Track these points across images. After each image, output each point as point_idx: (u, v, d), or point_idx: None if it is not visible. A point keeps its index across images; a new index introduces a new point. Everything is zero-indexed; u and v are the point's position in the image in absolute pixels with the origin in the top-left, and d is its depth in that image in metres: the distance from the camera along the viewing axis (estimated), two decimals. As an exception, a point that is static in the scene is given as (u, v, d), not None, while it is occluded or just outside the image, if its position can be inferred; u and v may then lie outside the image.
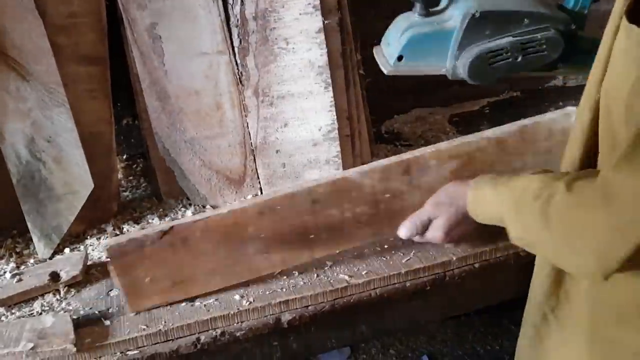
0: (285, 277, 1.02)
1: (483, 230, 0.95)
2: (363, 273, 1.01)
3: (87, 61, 1.25)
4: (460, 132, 1.69)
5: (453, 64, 0.92)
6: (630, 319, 0.74)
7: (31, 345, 0.90)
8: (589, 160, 0.79)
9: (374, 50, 1.02)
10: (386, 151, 1.57)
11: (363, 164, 1.44)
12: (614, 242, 0.67)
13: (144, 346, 0.92)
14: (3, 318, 0.99)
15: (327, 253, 1.01)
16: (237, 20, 1.27)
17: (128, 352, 0.91)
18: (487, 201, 0.89)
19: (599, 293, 0.78)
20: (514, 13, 0.89)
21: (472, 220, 0.94)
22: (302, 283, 1.00)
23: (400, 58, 0.92)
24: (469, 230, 0.99)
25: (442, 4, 0.94)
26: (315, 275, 1.02)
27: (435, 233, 0.98)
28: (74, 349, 0.89)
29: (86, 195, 1.22)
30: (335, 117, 1.28)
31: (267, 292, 0.98)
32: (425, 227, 0.98)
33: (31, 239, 1.22)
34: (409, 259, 1.04)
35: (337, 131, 1.29)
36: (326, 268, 1.03)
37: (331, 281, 1.00)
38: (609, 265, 0.69)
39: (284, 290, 0.99)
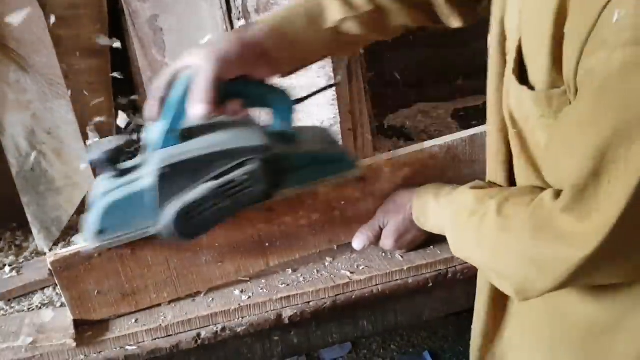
0: (286, 272, 1.01)
1: (432, 237, 0.98)
2: (365, 269, 1.01)
3: (88, 53, 1.24)
4: (463, 127, 1.68)
5: (159, 225, 0.83)
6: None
7: (30, 339, 0.89)
8: (507, 167, 0.79)
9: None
10: (389, 145, 1.57)
11: (365, 158, 1.44)
12: (533, 275, 0.67)
13: (143, 341, 0.92)
14: (2, 312, 0.99)
15: (282, 261, 1.01)
16: (239, 12, 1.25)
17: (128, 347, 0.91)
18: (429, 211, 0.91)
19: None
20: (205, 156, 0.81)
21: (420, 227, 0.96)
22: (303, 279, 0.99)
23: (101, 232, 0.84)
24: (419, 237, 1.01)
25: (137, 161, 0.87)
26: (317, 271, 1.01)
27: (385, 241, 0.99)
28: (74, 344, 0.88)
29: (87, 189, 1.21)
30: (338, 111, 1.27)
31: (268, 288, 0.98)
32: (377, 236, 0.99)
33: (31, 232, 1.21)
34: (410, 256, 1.03)
35: (339, 125, 1.28)
36: (327, 264, 1.02)
37: (333, 277, 0.99)
38: (528, 295, 0.70)
39: (285, 286, 0.98)
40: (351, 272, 1.00)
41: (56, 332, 0.91)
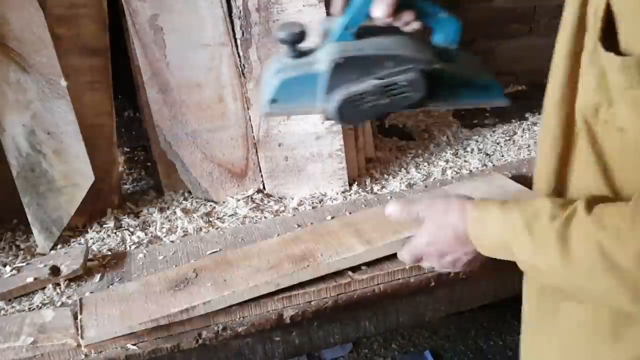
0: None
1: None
2: (366, 268, 1.00)
3: (88, 52, 1.24)
4: (464, 126, 1.68)
5: (324, 106, 0.93)
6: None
7: (31, 339, 0.89)
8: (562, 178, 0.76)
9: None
10: (390, 145, 1.56)
11: (366, 157, 1.44)
12: None
13: (144, 341, 0.91)
14: (3, 312, 0.98)
15: None
16: (240, 11, 1.25)
17: (129, 347, 0.90)
18: (490, 221, 0.77)
19: None
20: (376, 57, 0.91)
21: (464, 242, 0.80)
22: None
23: (274, 101, 0.94)
24: (461, 259, 0.83)
25: (311, 44, 0.96)
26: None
27: (415, 246, 0.84)
28: (74, 344, 0.88)
29: (87, 188, 1.21)
30: (339, 110, 1.27)
31: (274, 283, 0.97)
32: (411, 219, 0.86)
33: (31, 232, 1.21)
34: (412, 255, 1.02)
35: (339, 125, 1.28)
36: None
37: (334, 276, 0.99)
38: None
39: (292, 281, 0.97)
40: (353, 271, 1.00)
41: (57, 332, 0.90)
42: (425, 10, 0.95)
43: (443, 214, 0.83)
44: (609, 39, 0.63)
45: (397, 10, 0.88)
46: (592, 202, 0.66)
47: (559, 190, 0.78)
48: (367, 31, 0.93)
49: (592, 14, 0.67)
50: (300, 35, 0.92)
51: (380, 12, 0.87)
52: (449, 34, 0.96)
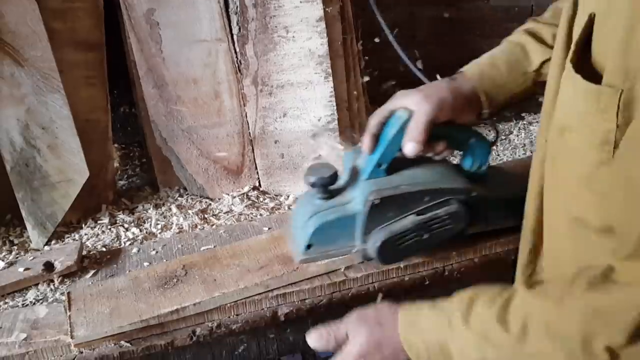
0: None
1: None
2: (361, 266, 1.00)
3: (84, 47, 1.23)
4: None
5: (362, 247, 0.93)
6: None
7: (24, 335, 0.89)
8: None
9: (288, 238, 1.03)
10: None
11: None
12: (598, 330, 0.58)
13: (138, 338, 0.91)
14: (-4, 307, 0.98)
15: None
16: (237, 7, 1.24)
17: (122, 344, 0.90)
18: (423, 321, 0.73)
19: None
20: (412, 194, 0.90)
21: (396, 351, 0.75)
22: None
23: (309, 246, 0.93)
24: None
25: (341, 182, 0.95)
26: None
27: (346, 357, 0.79)
28: (68, 340, 0.88)
29: (81, 184, 1.20)
30: (335, 107, 1.27)
31: (264, 285, 0.97)
32: (339, 343, 0.80)
33: (25, 227, 1.20)
34: (408, 253, 1.02)
35: (336, 122, 1.27)
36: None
37: (329, 274, 0.99)
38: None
39: (281, 282, 0.97)
40: (347, 270, 0.99)
41: (50, 328, 0.90)
42: (456, 137, 0.95)
43: (375, 325, 0.78)
44: (587, 61, 0.63)
45: (428, 142, 0.89)
46: (528, 284, 0.67)
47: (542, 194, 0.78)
48: (398, 164, 0.93)
49: (575, 32, 0.66)
50: (332, 178, 0.91)
51: (412, 150, 0.88)
52: (479, 158, 0.97)
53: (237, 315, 0.95)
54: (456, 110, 0.91)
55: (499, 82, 0.94)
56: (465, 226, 0.93)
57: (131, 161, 1.55)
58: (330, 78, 1.25)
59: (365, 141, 0.92)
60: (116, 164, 1.48)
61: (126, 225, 1.23)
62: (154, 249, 1.10)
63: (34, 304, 0.98)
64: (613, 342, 0.57)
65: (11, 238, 1.22)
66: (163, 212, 1.28)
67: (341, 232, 0.92)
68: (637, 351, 0.57)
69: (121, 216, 1.27)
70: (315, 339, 0.82)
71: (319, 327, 0.82)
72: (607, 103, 0.59)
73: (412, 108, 0.88)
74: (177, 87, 1.28)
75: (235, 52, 1.27)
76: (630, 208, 0.58)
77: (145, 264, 1.05)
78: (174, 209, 1.28)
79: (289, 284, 0.97)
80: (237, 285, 0.94)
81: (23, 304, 0.99)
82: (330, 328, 0.82)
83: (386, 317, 0.78)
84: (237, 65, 1.28)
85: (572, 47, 0.65)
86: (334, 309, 0.99)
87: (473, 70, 0.95)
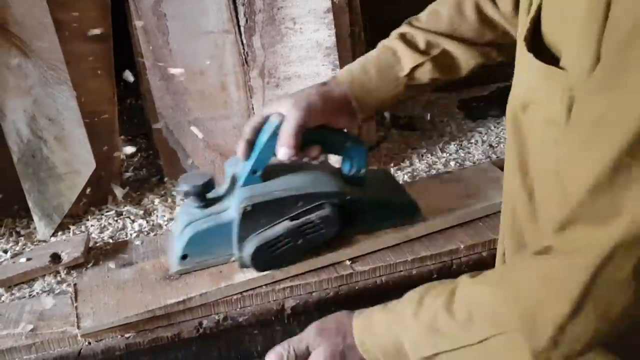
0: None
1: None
2: (369, 260, 0.99)
3: (90, 38, 1.23)
4: (468, 117, 1.66)
5: (239, 254, 0.92)
6: None
7: (31, 326, 0.89)
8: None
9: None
10: (394, 136, 1.55)
11: (370, 148, 1.43)
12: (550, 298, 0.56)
13: (145, 329, 0.91)
14: (3, 299, 0.98)
15: None
16: (244, -2, 1.23)
17: (128, 336, 0.90)
18: (376, 323, 0.73)
19: None
20: (285, 199, 0.90)
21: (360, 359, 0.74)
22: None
23: (184, 257, 0.92)
24: None
25: (221, 190, 0.95)
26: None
27: None
28: (74, 331, 0.88)
29: (88, 175, 1.20)
30: (343, 100, 1.26)
31: (270, 276, 0.97)
32: (301, 358, 0.78)
33: (32, 219, 1.20)
34: (414, 247, 1.02)
35: (344, 114, 1.26)
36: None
37: (336, 268, 0.98)
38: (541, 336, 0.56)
39: (287, 274, 0.97)
40: (354, 263, 0.99)
41: (57, 320, 0.90)
42: (331, 141, 0.95)
43: (336, 335, 0.76)
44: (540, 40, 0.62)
45: (302, 146, 0.89)
46: (472, 274, 0.65)
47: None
48: (274, 170, 0.92)
49: (532, 9, 0.64)
50: (206, 186, 0.90)
51: (284, 155, 0.88)
52: (356, 161, 0.97)
53: (243, 307, 0.95)
54: (328, 115, 0.91)
55: (369, 87, 0.94)
56: (339, 229, 0.93)
57: (138, 153, 1.54)
58: (338, 70, 1.24)
59: (240, 148, 0.91)
60: (122, 156, 1.48)
61: (132, 217, 1.23)
62: (161, 241, 1.09)
63: (41, 295, 0.98)
64: (556, 315, 0.55)
65: (18, 229, 1.22)
66: (169, 204, 1.28)
67: (218, 241, 0.92)
68: (580, 322, 0.55)
69: (127, 208, 1.27)
70: (275, 359, 0.78)
71: (277, 346, 0.78)
72: (556, 83, 0.58)
73: (284, 113, 0.89)
74: (184, 78, 1.27)
75: (242, 43, 1.26)
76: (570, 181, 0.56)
77: (152, 255, 1.05)
78: (180, 201, 1.28)
79: (295, 276, 0.96)
80: (244, 276, 0.94)
81: (30, 295, 0.99)
82: (290, 344, 0.78)
83: (346, 326, 0.76)
84: (244, 57, 1.27)
85: (527, 24, 0.64)
86: (340, 302, 0.98)
87: (344, 75, 0.95)
